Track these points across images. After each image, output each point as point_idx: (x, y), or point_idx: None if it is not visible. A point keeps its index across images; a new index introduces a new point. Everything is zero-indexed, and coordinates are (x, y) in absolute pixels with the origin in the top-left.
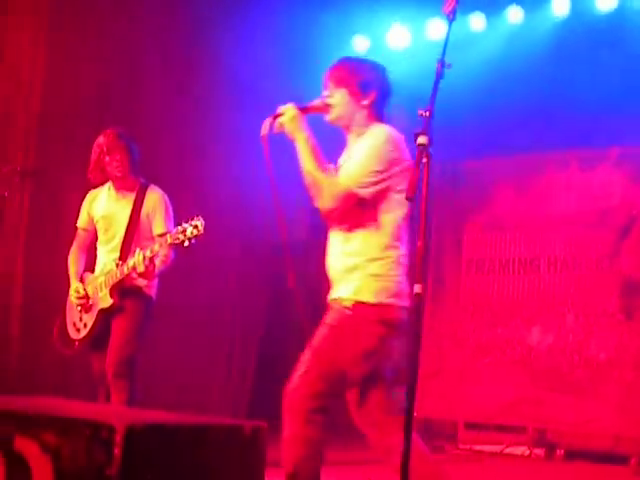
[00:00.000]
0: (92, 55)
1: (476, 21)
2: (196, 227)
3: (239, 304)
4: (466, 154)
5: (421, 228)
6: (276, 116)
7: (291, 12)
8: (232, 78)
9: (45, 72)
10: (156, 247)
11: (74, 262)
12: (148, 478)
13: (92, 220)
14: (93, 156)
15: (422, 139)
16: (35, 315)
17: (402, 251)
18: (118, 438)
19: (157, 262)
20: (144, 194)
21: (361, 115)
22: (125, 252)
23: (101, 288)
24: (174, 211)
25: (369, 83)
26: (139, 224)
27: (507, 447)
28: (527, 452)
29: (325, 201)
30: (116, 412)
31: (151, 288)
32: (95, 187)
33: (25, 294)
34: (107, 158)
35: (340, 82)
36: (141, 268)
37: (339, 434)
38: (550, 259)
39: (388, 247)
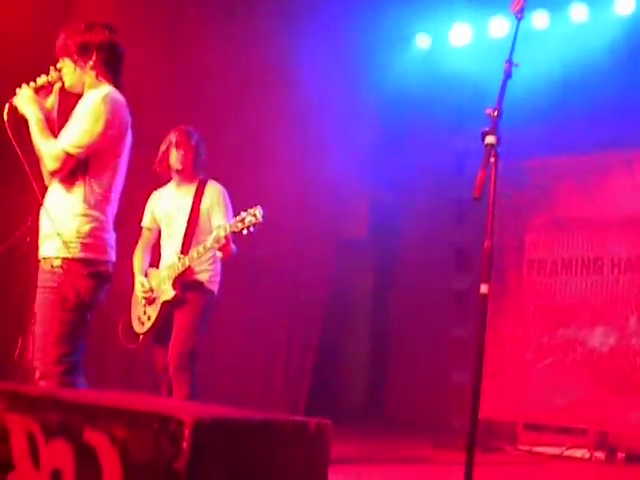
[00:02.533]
0: (160, 56)
1: (539, 19)
2: (255, 215)
3: (298, 302)
4: (528, 153)
5: (488, 228)
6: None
7: (352, 10)
8: (293, 78)
9: None
10: (216, 234)
11: (139, 259)
12: (215, 472)
13: (155, 219)
14: (162, 147)
15: (490, 139)
16: (99, 311)
17: (109, 210)
18: (187, 432)
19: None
20: (203, 188)
21: (90, 77)
22: (187, 245)
23: (164, 281)
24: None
25: (87, 45)
26: (199, 218)
27: (567, 449)
28: (587, 455)
29: (48, 164)
30: (184, 406)
31: (213, 283)
32: (162, 181)
33: None
34: (172, 151)
35: (62, 52)
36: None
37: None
38: (614, 260)
39: (94, 206)
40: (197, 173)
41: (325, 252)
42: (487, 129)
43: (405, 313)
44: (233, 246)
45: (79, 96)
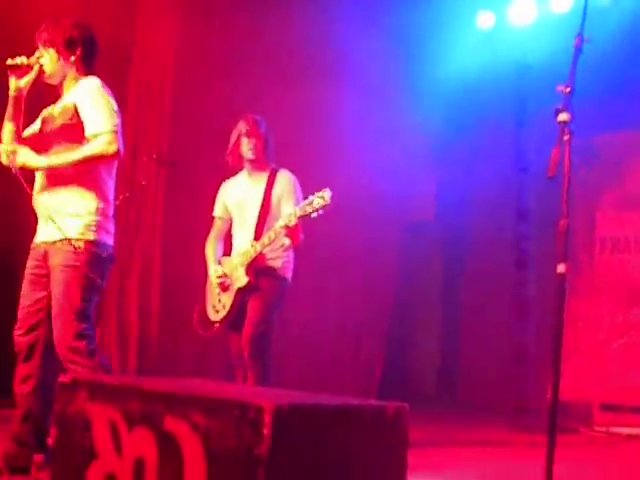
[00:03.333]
0: (219, 50)
1: None
2: (322, 198)
3: (367, 287)
4: (599, 129)
5: (563, 206)
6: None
7: None
8: (355, 64)
9: (176, 69)
10: (282, 222)
11: (212, 248)
12: (295, 457)
13: (227, 209)
14: (232, 138)
15: (563, 116)
16: (172, 299)
17: (112, 193)
18: (267, 418)
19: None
20: (275, 177)
21: (72, 71)
22: (259, 232)
23: (237, 268)
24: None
25: (74, 40)
26: (270, 206)
27: None
28: None
29: (109, 151)
30: (263, 392)
31: (286, 270)
32: (231, 171)
33: (163, 279)
34: (244, 140)
35: (47, 43)
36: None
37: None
38: None
39: (105, 190)
40: (268, 161)
41: (393, 236)
42: (560, 106)
43: (475, 294)
44: (301, 234)
45: (52, 87)
